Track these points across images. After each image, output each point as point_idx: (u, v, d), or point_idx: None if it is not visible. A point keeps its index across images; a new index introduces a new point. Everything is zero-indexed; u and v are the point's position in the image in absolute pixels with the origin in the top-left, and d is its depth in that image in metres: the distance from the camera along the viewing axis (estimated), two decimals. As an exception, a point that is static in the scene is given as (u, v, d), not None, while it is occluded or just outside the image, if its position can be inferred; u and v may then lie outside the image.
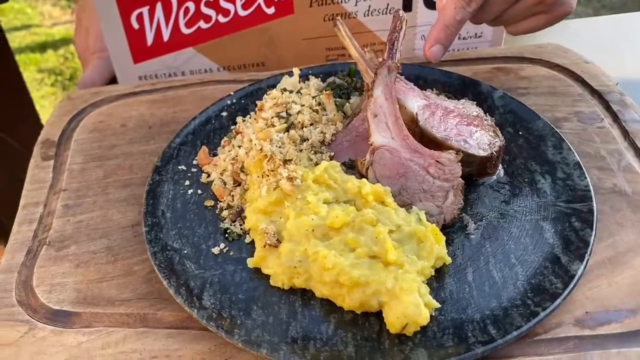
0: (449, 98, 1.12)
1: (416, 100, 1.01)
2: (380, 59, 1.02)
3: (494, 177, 1.00)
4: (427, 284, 0.83)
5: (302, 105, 1.08)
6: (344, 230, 0.86)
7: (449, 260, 0.87)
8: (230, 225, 0.96)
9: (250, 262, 0.89)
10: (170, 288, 0.85)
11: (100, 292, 0.89)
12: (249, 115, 1.15)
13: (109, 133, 1.20)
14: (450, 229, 0.93)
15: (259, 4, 1.31)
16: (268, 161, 0.94)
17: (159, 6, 1.29)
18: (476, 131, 0.99)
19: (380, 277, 0.80)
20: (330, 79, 1.19)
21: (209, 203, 1.00)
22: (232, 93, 1.22)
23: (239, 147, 1.05)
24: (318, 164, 0.97)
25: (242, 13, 1.32)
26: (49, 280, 0.92)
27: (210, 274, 0.88)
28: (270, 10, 1.32)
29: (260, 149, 0.97)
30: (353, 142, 1.02)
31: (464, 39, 1.40)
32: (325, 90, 1.12)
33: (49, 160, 1.15)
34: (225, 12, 1.31)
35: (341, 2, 1.32)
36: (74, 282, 0.91)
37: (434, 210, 0.92)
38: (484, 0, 1.04)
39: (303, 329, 0.81)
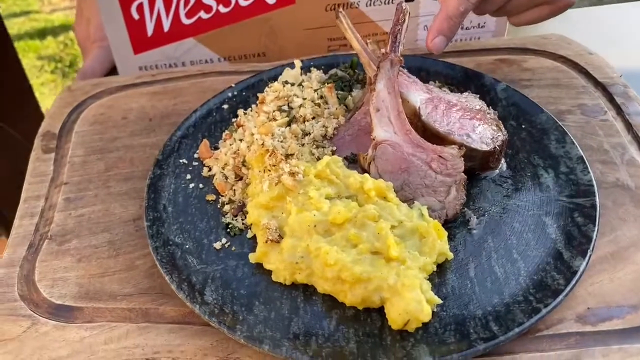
0: (451, 91, 1.11)
1: (419, 94, 1.01)
2: (383, 51, 1.01)
3: (497, 171, 1.00)
4: (429, 279, 0.83)
5: (304, 99, 1.07)
6: (346, 226, 0.85)
7: (451, 255, 0.87)
8: (232, 220, 0.95)
9: (252, 258, 0.89)
10: (172, 283, 0.85)
11: (102, 287, 0.89)
12: (250, 108, 1.15)
13: (110, 125, 1.20)
14: (453, 224, 0.93)
15: (260, -6, 1.30)
16: (270, 156, 0.94)
17: (159, -4, 1.28)
18: (479, 125, 0.99)
19: (382, 273, 0.80)
20: (332, 71, 1.18)
21: (211, 197, 1.00)
22: (233, 85, 1.21)
23: (241, 140, 1.04)
24: (320, 159, 0.96)
25: (243, 3, 1.31)
26: (51, 274, 0.92)
27: (212, 269, 0.88)
28: (271, 0, 1.31)
29: (262, 144, 0.97)
30: (355, 136, 1.02)
31: (466, 29, 1.39)
32: (327, 83, 1.11)
33: (49, 153, 1.14)
34: (226, 2, 1.30)
35: (343, -8, 1.30)
36: (76, 277, 0.91)
37: (436, 206, 0.92)
38: None
39: (305, 324, 0.81)
